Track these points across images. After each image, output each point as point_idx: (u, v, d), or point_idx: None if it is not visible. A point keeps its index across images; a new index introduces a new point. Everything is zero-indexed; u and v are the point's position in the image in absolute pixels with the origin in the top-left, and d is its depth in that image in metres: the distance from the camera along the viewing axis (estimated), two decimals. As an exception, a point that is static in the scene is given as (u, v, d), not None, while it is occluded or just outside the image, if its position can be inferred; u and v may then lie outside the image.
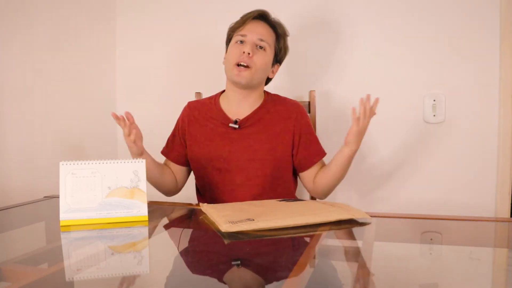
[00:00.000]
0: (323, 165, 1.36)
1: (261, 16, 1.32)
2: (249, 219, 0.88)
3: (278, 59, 1.37)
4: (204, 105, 1.38)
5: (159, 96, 2.01)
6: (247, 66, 1.26)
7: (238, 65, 1.27)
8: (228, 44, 1.36)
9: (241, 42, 1.29)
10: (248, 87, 1.30)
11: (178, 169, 1.39)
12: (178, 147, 1.38)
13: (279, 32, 1.34)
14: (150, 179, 1.29)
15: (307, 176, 1.35)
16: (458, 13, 1.63)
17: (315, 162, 1.34)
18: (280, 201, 1.12)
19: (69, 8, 1.76)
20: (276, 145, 1.31)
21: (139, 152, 1.19)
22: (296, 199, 1.14)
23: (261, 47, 1.29)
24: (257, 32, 1.29)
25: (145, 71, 2.04)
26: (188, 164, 1.39)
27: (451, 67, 1.65)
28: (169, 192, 1.39)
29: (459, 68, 1.64)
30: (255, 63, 1.27)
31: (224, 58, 1.36)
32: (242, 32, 1.29)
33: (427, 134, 1.69)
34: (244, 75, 1.26)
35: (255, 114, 1.32)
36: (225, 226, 0.85)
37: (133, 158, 1.09)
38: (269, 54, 1.31)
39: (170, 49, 1.98)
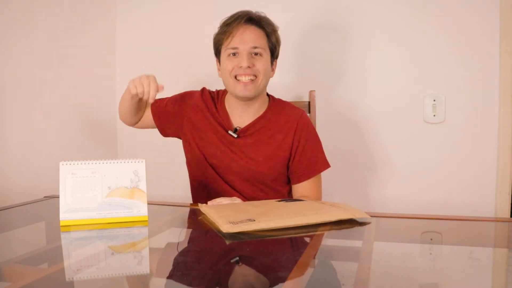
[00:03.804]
0: (316, 183, 1.31)
1: (246, 20, 1.22)
2: (250, 220, 0.88)
3: (274, 56, 1.30)
4: (213, 99, 1.35)
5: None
6: (252, 80, 1.21)
7: (237, 78, 1.22)
8: (219, 57, 1.29)
9: (234, 54, 1.22)
10: (254, 98, 1.27)
11: (147, 116, 1.40)
12: (168, 107, 1.37)
13: (268, 31, 1.25)
14: (124, 107, 1.35)
15: (294, 190, 1.33)
16: (458, 13, 1.63)
17: (303, 180, 1.29)
18: (279, 201, 1.12)
19: (69, 8, 1.76)
20: (273, 157, 1.27)
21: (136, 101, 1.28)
22: (295, 199, 1.13)
23: (256, 54, 1.22)
24: (248, 40, 1.20)
25: (145, 70, 2.03)
26: (157, 119, 1.39)
27: (451, 67, 1.65)
28: (125, 121, 1.43)
29: (459, 68, 1.64)
30: (259, 71, 1.22)
31: (219, 70, 1.31)
32: (233, 45, 1.21)
33: (427, 134, 1.69)
34: (250, 89, 1.21)
35: (256, 124, 1.29)
36: (226, 227, 0.85)
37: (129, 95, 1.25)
38: (266, 57, 1.25)
39: (170, 49, 1.98)
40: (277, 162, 1.27)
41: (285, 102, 1.36)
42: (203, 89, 1.38)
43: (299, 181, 1.30)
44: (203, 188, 1.34)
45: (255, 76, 1.22)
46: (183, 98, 1.38)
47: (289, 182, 1.35)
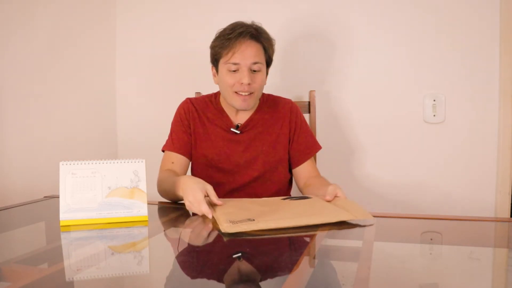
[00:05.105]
0: (313, 165, 1.37)
1: (247, 36, 1.24)
2: (249, 219, 0.88)
3: (269, 65, 1.34)
4: (205, 104, 1.37)
5: (158, 96, 2.01)
6: (249, 93, 1.25)
7: (237, 93, 1.25)
8: (216, 65, 1.30)
9: (235, 70, 1.24)
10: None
11: (183, 162, 1.33)
12: (184, 136, 1.33)
13: (266, 46, 1.28)
14: (169, 197, 1.23)
15: (298, 172, 1.37)
16: (458, 13, 1.63)
17: (306, 159, 1.36)
18: (284, 199, 1.12)
19: (69, 8, 1.76)
20: (276, 145, 1.34)
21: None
22: (301, 197, 1.13)
23: (255, 71, 1.25)
24: (249, 56, 1.23)
25: (145, 71, 2.04)
26: (190, 155, 1.36)
27: (451, 67, 1.65)
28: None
29: (459, 68, 1.64)
30: (257, 87, 1.27)
31: (214, 77, 1.33)
32: (233, 60, 1.23)
33: (427, 134, 1.69)
34: (248, 103, 1.27)
35: (253, 119, 1.35)
36: (225, 226, 0.85)
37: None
38: (264, 71, 1.29)
39: (170, 49, 1.98)
40: (280, 148, 1.35)
41: (273, 95, 1.44)
42: (188, 99, 1.39)
43: (300, 163, 1.36)
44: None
45: (252, 92, 1.27)
46: (180, 116, 1.36)
47: (290, 171, 1.40)
